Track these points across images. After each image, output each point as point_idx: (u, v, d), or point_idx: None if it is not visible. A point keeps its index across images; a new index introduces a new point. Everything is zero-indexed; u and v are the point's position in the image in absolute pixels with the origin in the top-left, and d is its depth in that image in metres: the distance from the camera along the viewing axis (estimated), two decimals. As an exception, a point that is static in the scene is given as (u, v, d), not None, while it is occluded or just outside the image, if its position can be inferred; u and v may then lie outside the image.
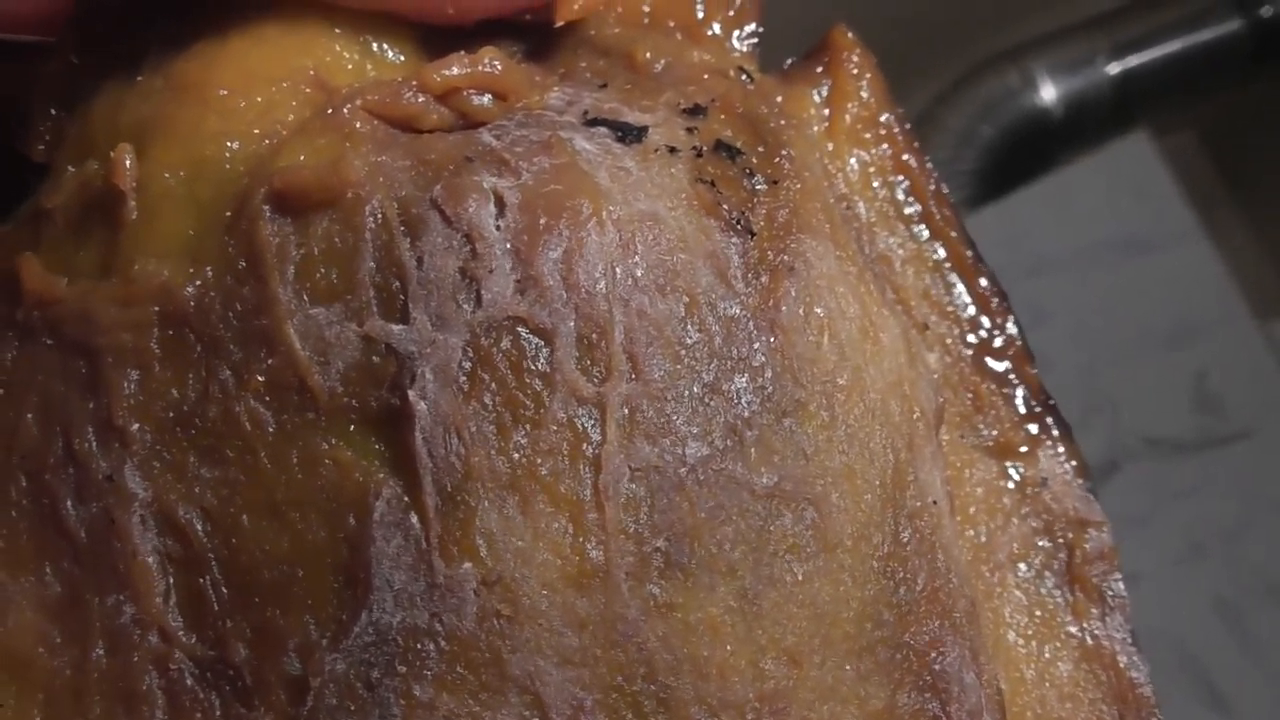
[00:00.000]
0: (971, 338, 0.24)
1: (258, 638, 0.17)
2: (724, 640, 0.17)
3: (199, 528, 0.17)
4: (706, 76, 0.22)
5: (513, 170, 0.18)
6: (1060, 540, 0.23)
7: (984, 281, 0.24)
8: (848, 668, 0.18)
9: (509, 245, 0.18)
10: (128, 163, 0.19)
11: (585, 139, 0.19)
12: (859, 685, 0.18)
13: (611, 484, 0.17)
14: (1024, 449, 0.23)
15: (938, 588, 0.19)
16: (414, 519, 0.17)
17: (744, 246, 0.19)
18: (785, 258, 0.19)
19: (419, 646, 0.16)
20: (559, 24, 0.22)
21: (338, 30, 0.21)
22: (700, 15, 0.24)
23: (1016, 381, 0.24)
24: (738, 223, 0.19)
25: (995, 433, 0.23)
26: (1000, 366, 0.24)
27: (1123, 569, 0.23)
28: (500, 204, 0.18)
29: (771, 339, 0.19)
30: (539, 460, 0.17)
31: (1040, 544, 0.23)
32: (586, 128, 0.20)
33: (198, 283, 0.18)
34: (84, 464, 0.18)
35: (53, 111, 0.21)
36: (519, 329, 0.17)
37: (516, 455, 0.17)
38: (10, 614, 0.18)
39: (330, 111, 0.19)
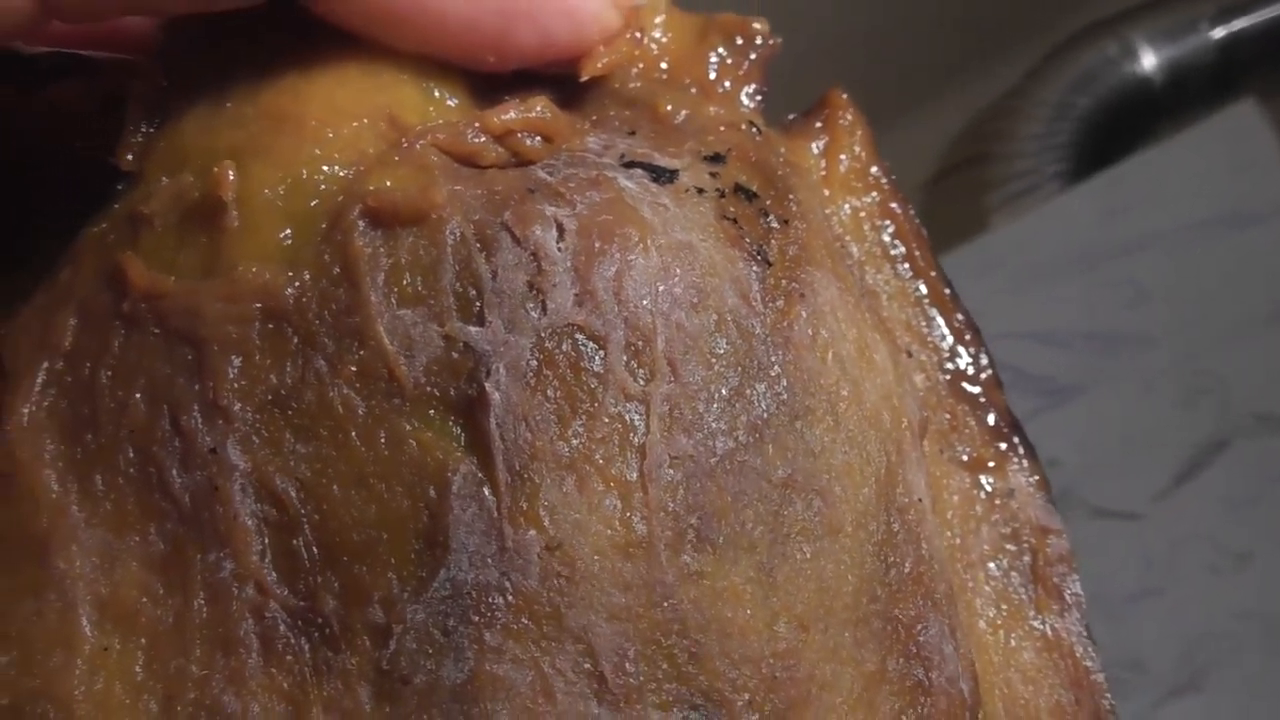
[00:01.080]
0: (949, 365, 0.28)
1: (345, 591, 0.19)
2: (745, 605, 0.20)
3: (293, 495, 0.20)
4: (723, 128, 0.25)
5: (568, 202, 0.21)
6: (1025, 544, 0.27)
7: (960, 316, 0.28)
8: (847, 634, 0.21)
9: (569, 264, 0.21)
10: (231, 176, 0.21)
11: (626, 178, 0.22)
12: (856, 650, 0.21)
13: (654, 469, 0.20)
14: (993, 464, 0.27)
15: (922, 572, 0.22)
16: (487, 492, 0.19)
17: (762, 274, 0.22)
18: (796, 285, 0.23)
19: (490, 600, 0.19)
20: (584, 79, 0.25)
21: (405, 75, 0.24)
22: (713, 75, 0.27)
23: (988, 405, 0.28)
24: (757, 254, 0.23)
25: (969, 449, 0.27)
26: (974, 391, 0.28)
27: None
28: (560, 229, 0.21)
29: (786, 354, 0.22)
30: (593, 446, 0.20)
31: (1008, 547, 0.26)
32: (625, 169, 0.23)
33: (296, 284, 0.20)
34: (190, 438, 0.20)
35: (144, 126, 0.23)
36: (577, 335, 0.20)
37: (575, 441, 0.20)
38: (117, 568, 0.20)
39: (406, 145, 0.22)
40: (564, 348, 0.20)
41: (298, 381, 0.20)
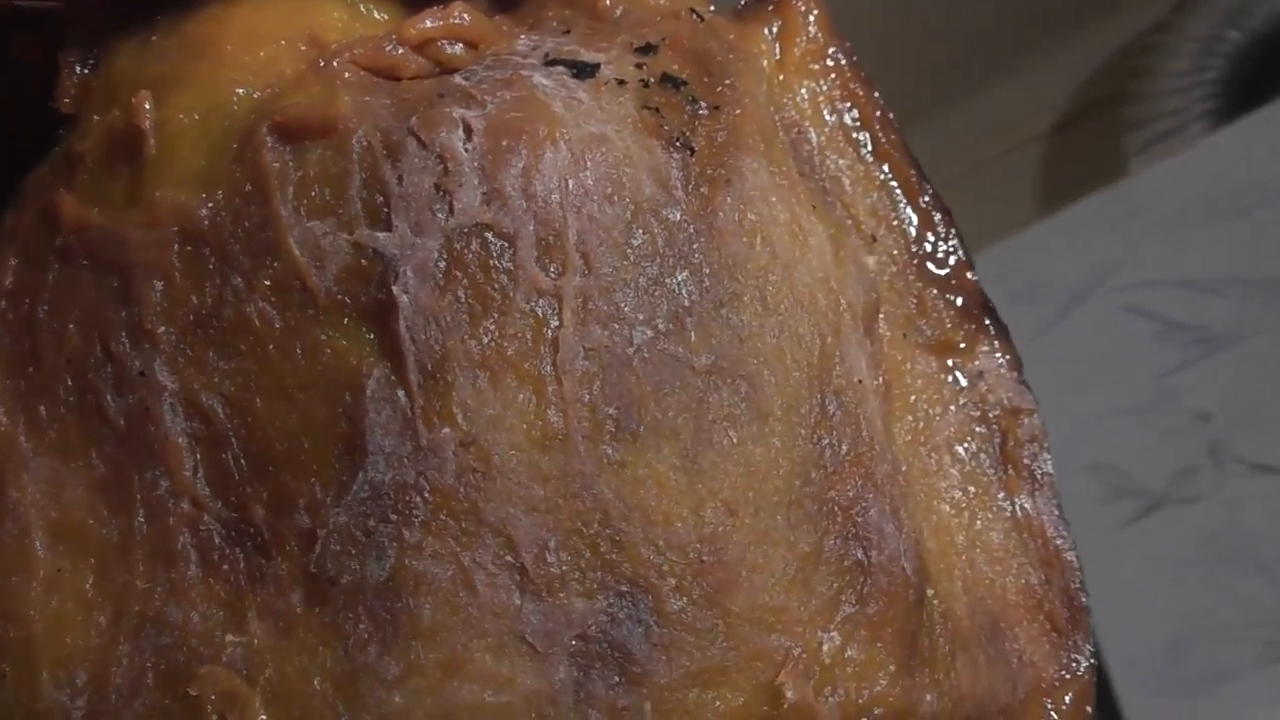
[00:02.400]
0: (915, 248, 0.27)
1: (273, 500, 0.20)
2: (668, 492, 0.20)
3: (220, 411, 0.20)
4: (660, 19, 0.25)
5: (479, 103, 0.21)
6: (995, 426, 0.26)
7: (926, 198, 0.27)
8: (778, 518, 0.21)
9: (476, 164, 0.21)
10: (147, 106, 0.22)
11: (544, 76, 0.22)
12: (788, 532, 0.21)
13: (568, 361, 0.20)
14: (963, 345, 0.26)
15: (861, 453, 0.22)
16: (400, 394, 0.20)
17: (684, 162, 0.22)
18: (722, 172, 0.22)
19: (408, 499, 0.19)
20: None
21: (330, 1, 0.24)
22: None
23: (956, 287, 0.27)
24: (678, 141, 0.22)
25: (937, 332, 0.26)
26: (941, 273, 0.27)
27: (1050, 450, 0.26)
28: (468, 130, 0.21)
29: (709, 240, 0.22)
30: (505, 343, 0.20)
31: (977, 429, 0.26)
32: (546, 67, 0.23)
33: (210, 205, 0.21)
34: (120, 362, 0.21)
35: (77, 69, 0.24)
36: (486, 233, 0.20)
37: (486, 339, 0.20)
38: (64, 493, 0.21)
39: (323, 64, 0.22)
40: (473, 247, 0.20)
41: (217, 300, 0.20)
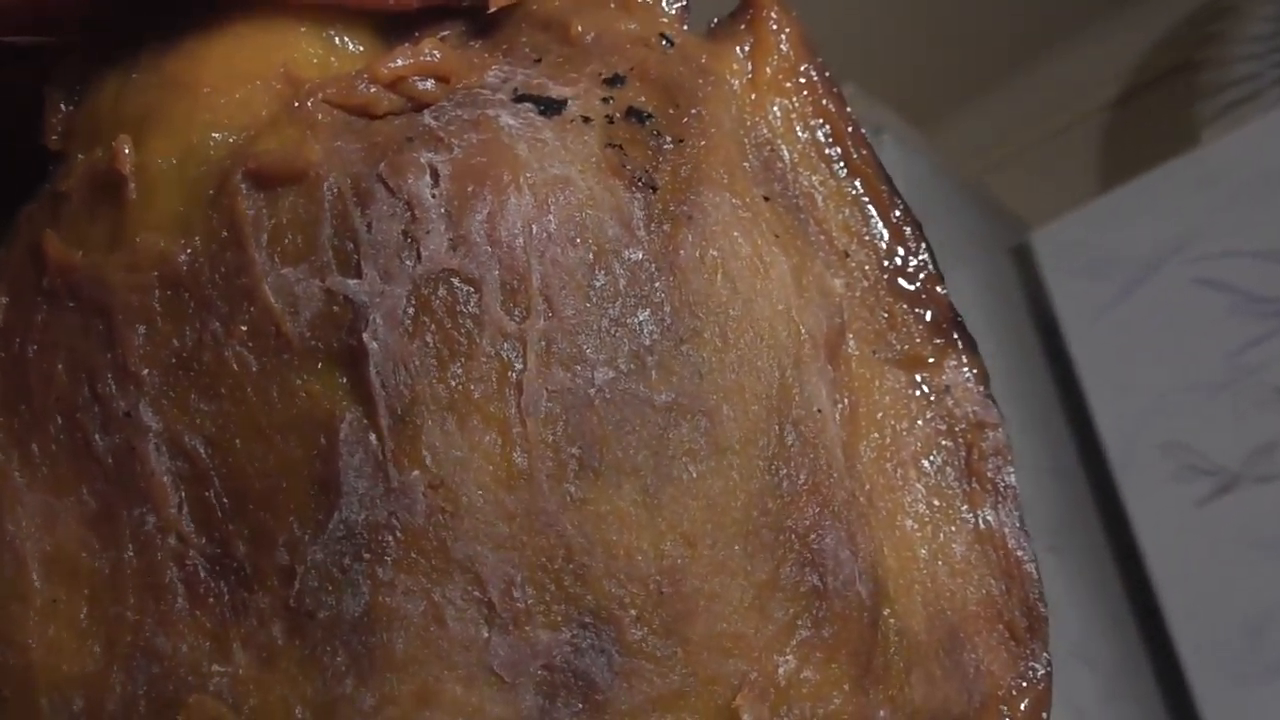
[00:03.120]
0: (886, 263, 0.27)
1: (254, 536, 0.21)
2: (629, 527, 0.21)
3: (202, 451, 0.21)
4: (630, 46, 0.25)
5: (446, 146, 0.22)
6: (961, 440, 0.27)
7: (897, 213, 0.28)
8: (736, 548, 0.22)
9: (443, 210, 0.21)
10: (127, 150, 0.23)
11: (511, 115, 0.23)
12: (746, 561, 0.22)
13: (532, 403, 0.21)
14: (931, 360, 0.27)
15: (819, 481, 0.23)
16: (372, 437, 0.21)
17: (647, 200, 0.23)
18: (685, 208, 0.23)
19: (380, 538, 0.20)
20: (493, 9, 0.25)
21: (303, 28, 0.24)
22: None
23: (926, 301, 0.27)
24: (640, 180, 0.23)
25: (906, 347, 0.27)
26: (912, 287, 0.27)
27: (1015, 463, 0.27)
28: (435, 175, 0.22)
29: (670, 278, 0.22)
30: (472, 386, 0.21)
31: (942, 443, 0.26)
32: (514, 104, 0.23)
33: (189, 250, 0.22)
34: (106, 403, 0.22)
35: (63, 106, 0.25)
36: (452, 279, 0.21)
37: (454, 382, 0.21)
38: (58, 527, 0.22)
39: (297, 105, 0.23)
40: (439, 293, 0.21)
41: (196, 344, 0.21)
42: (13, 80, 0.26)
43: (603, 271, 0.22)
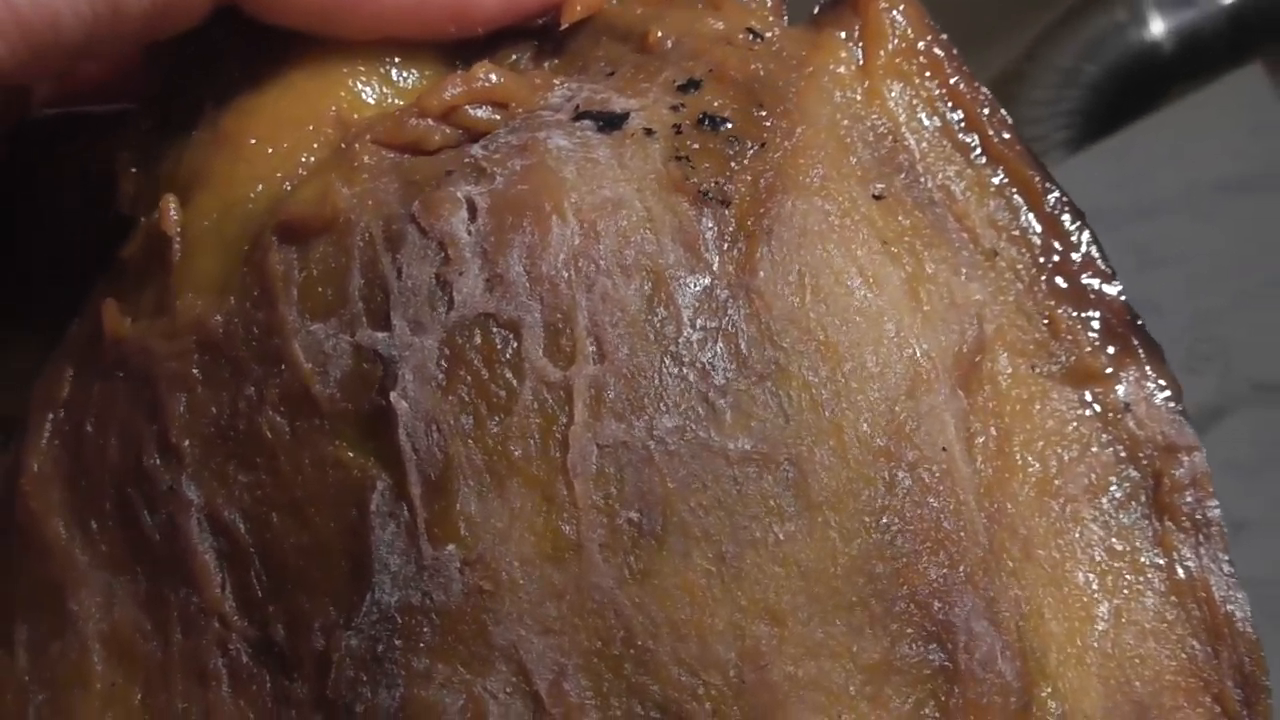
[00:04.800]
0: (1042, 259, 0.23)
1: (291, 619, 0.19)
2: (701, 602, 0.18)
3: (241, 527, 0.20)
4: (711, 47, 0.22)
5: (488, 176, 0.20)
6: (1146, 467, 0.22)
7: (1052, 199, 0.23)
8: (837, 623, 0.18)
9: (479, 247, 0.19)
10: (173, 210, 0.21)
11: (564, 135, 0.20)
12: (850, 640, 0.18)
13: (579, 462, 0.18)
14: (1109, 371, 0.22)
15: (944, 537, 0.19)
16: (404, 508, 0.18)
17: (717, 216, 0.20)
18: (765, 222, 0.20)
19: (414, 622, 0.18)
20: (565, 26, 0.23)
21: (360, 66, 0.23)
22: None
23: (1095, 301, 0.23)
24: (709, 195, 0.20)
25: (1073, 358, 0.23)
26: (1076, 286, 0.23)
27: (1221, 508, 0.22)
28: (473, 209, 0.19)
29: (747, 304, 0.19)
30: (511, 445, 0.18)
31: (1122, 473, 0.22)
32: (573, 123, 0.21)
33: (224, 311, 0.20)
34: (152, 478, 0.20)
35: (133, 170, 0.24)
36: (489, 323, 0.19)
37: (491, 442, 0.18)
38: (115, 607, 0.21)
39: (343, 149, 0.21)
40: (475, 340, 0.19)
41: (233, 411, 0.20)
42: (95, 147, 0.25)
43: (662, 303, 0.19)
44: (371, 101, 0.22)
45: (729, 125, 0.21)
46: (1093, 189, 0.90)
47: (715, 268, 0.19)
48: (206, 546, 0.20)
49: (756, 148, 0.21)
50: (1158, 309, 0.87)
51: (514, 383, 0.19)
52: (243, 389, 0.20)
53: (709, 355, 0.19)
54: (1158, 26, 0.95)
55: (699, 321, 0.19)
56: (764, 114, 0.21)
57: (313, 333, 0.19)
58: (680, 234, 0.19)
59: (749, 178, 0.20)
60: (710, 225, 0.20)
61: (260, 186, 0.21)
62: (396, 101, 0.23)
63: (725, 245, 0.20)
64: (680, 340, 0.19)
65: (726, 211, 0.20)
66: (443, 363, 0.19)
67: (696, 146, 0.21)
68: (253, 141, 0.22)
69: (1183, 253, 0.92)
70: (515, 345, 0.19)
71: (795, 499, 0.18)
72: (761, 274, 0.19)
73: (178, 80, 0.24)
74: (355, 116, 0.22)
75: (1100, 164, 0.94)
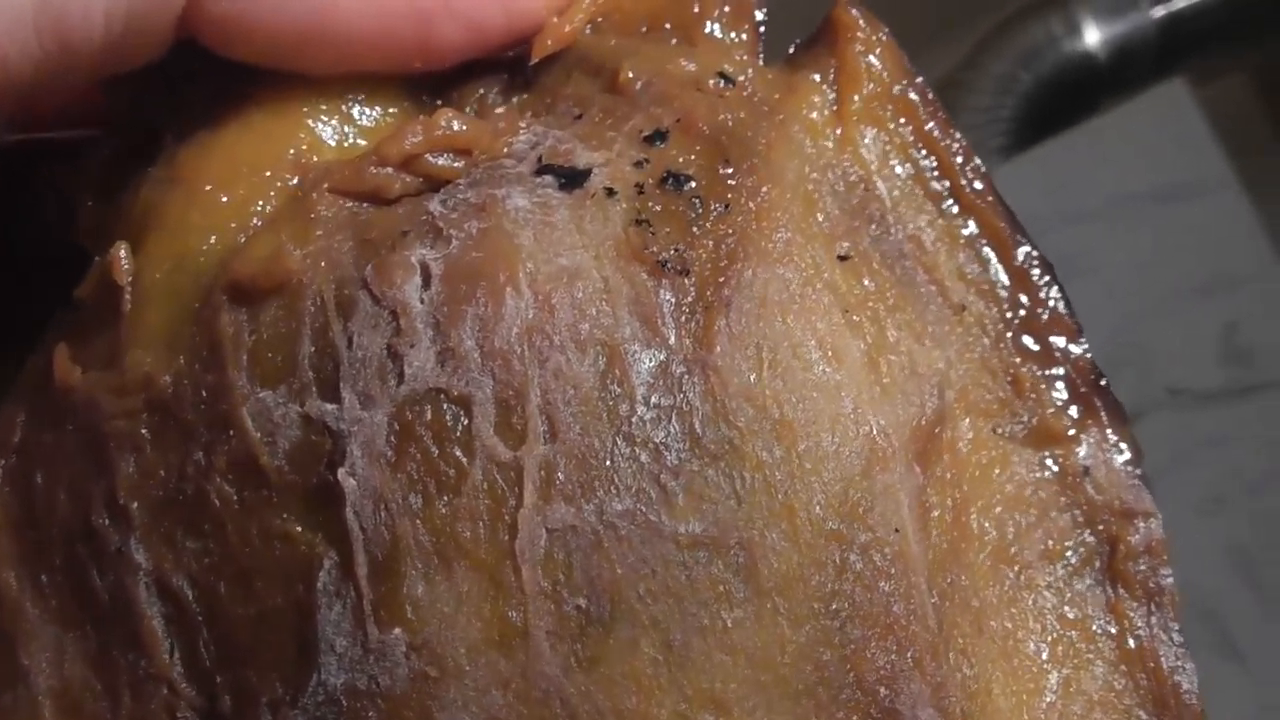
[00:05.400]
0: (1010, 315, 0.23)
1: (239, 692, 0.19)
2: (648, 691, 0.18)
3: (189, 594, 0.19)
4: (680, 92, 0.22)
5: (444, 238, 0.19)
6: (1102, 533, 0.22)
7: (1022, 252, 0.23)
8: (783, 712, 0.18)
9: (431, 317, 0.19)
10: (123, 256, 0.21)
11: (524, 194, 0.20)
12: None
13: (528, 547, 0.18)
14: (1069, 433, 0.22)
15: (893, 622, 0.19)
16: (350, 588, 0.18)
17: (677, 286, 0.19)
18: (725, 292, 0.19)
19: (360, 706, 0.18)
20: (533, 62, 0.22)
21: (321, 103, 0.22)
22: (696, 10, 0.24)
23: (1060, 359, 0.23)
24: (669, 265, 0.19)
25: (1036, 419, 0.22)
26: (1042, 344, 0.23)
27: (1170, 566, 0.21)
28: (426, 275, 0.19)
29: (703, 381, 0.19)
30: (460, 526, 0.18)
31: (1078, 538, 0.22)
32: (534, 177, 0.20)
33: (174, 371, 0.20)
34: (101, 537, 0.20)
35: (89, 203, 0.23)
36: (440, 398, 0.18)
37: (439, 523, 0.18)
38: (65, 663, 0.20)
39: (300, 198, 0.21)
40: (425, 416, 0.18)
41: (181, 476, 0.19)
42: (56, 175, 0.24)
43: (617, 380, 0.18)
44: (332, 142, 0.22)
45: (692, 184, 0.20)
46: (1024, 196, 0.93)
47: (672, 342, 0.19)
48: (155, 612, 0.20)
49: (720, 209, 0.20)
50: (1081, 316, 0.90)
51: (464, 461, 0.18)
52: (191, 453, 0.19)
53: (662, 435, 0.18)
54: (1092, 37, 0.98)
55: (653, 398, 0.18)
56: (730, 171, 0.21)
57: (262, 400, 0.19)
58: (637, 306, 0.19)
59: (710, 243, 0.20)
60: (669, 297, 0.19)
61: (213, 238, 0.21)
62: (358, 140, 0.22)
63: (683, 317, 0.19)
64: (634, 419, 0.18)
65: (686, 281, 0.19)
66: (392, 438, 0.18)
67: (658, 209, 0.20)
68: (208, 187, 0.21)
69: (1105, 260, 0.95)
70: (466, 422, 0.18)
71: (744, 584, 0.18)
72: (719, 348, 0.19)
73: (137, 110, 0.23)
74: (314, 159, 0.21)
75: (1031, 171, 0.97)
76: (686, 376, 0.19)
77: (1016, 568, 0.21)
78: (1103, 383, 0.23)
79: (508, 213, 0.20)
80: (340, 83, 0.22)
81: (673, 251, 0.19)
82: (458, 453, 0.18)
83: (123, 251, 0.21)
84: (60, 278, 0.24)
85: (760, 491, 0.18)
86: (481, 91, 0.23)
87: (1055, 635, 0.21)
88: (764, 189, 0.21)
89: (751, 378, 0.19)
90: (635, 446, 0.18)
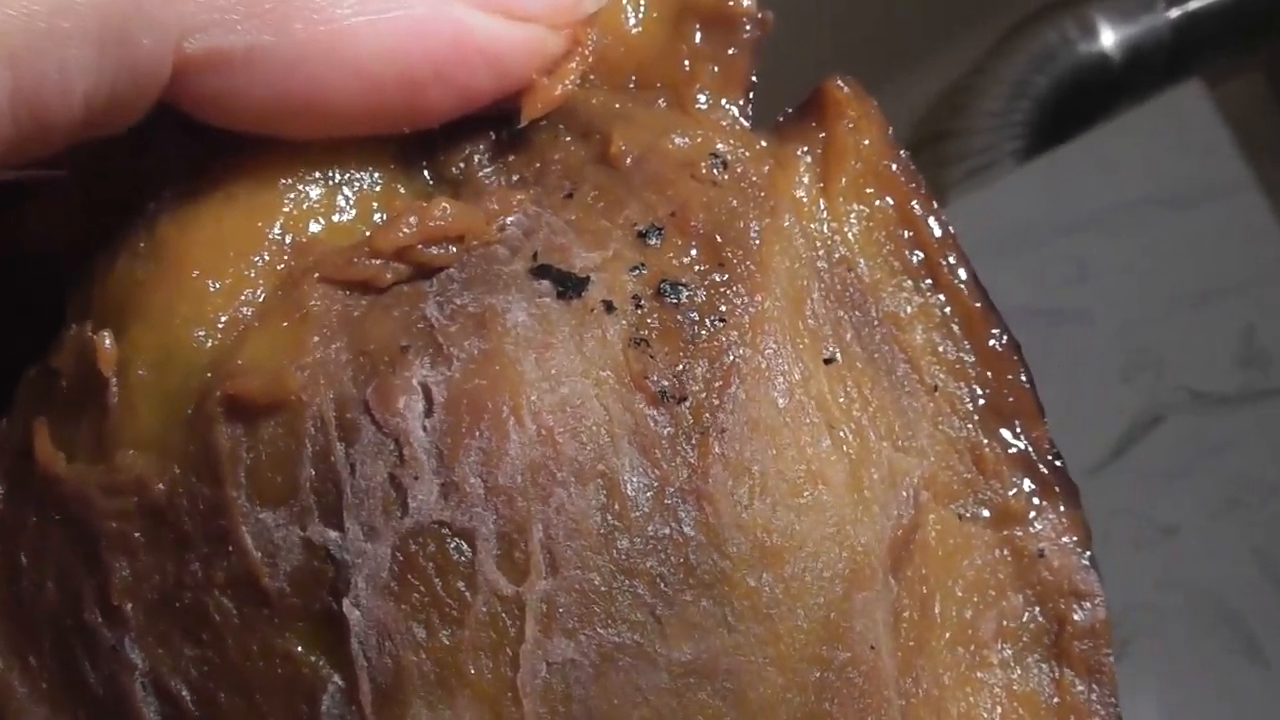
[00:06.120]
0: (981, 396, 0.24)
1: None
2: None
3: (187, 698, 0.19)
4: (674, 176, 0.22)
5: (444, 357, 0.19)
6: (1051, 612, 0.23)
7: (994, 333, 0.24)
8: None
9: (434, 448, 0.19)
10: (109, 346, 0.20)
11: (523, 304, 0.20)
12: None
13: (529, 680, 0.18)
14: (1028, 515, 0.23)
15: None
16: (354, 712, 0.19)
17: (674, 414, 0.20)
18: (720, 416, 0.20)
19: None
20: (522, 125, 0.22)
21: (304, 171, 0.21)
22: (686, 68, 0.24)
23: (1022, 436, 0.24)
24: (667, 394, 0.20)
25: (998, 500, 0.23)
26: (1007, 426, 0.24)
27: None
28: (429, 400, 0.19)
29: (698, 509, 0.19)
30: (463, 657, 0.18)
31: (1029, 616, 0.23)
32: (532, 279, 0.20)
33: (167, 478, 0.20)
34: (94, 633, 0.20)
35: (61, 247, 0.23)
36: (443, 531, 0.19)
37: (442, 654, 0.18)
38: None
39: (290, 288, 0.20)
40: (429, 549, 0.19)
41: (177, 583, 0.19)
42: (20, 215, 0.23)
43: (616, 514, 0.19)
44: (319, 210, 0.21)
45: (688, 294, 0.21)
46: (1033, 200, 0.93)
47: (669, 472, 0.19)
48: (152, 711, 0.20)
49: (715, 323, 0.20)
50: (1092, 320, 0.90)
51: (467, 595, 0.19)
52: (188, 563, 0.19)
53: (658, 565, 0.19)
54: (1107, 39, 0.98)
55: (649, 528, 0.19)
56: (726, 279, 0.21)
57: (262, 520, 0.19)
58: (636, 436, 0.19)
59: (705, 362, 0.20)
60: (666, 427, 0.20)
61: (202, 333, 0.20)
62: (344, 206, 0.22)
63: (679, 445, 0.19)
64: (631, 551, 0.19)
65: (682, 408, 0.20)
66: (395, 569, 0.19)
67: (656, 326, 0.20)
68: (195, 274, 0.21)
69: (1120, 264, 0.95)
70: (469, 556, 0.19)
71: (733, 709, 0.19)
72: (712, 477, 0.19)
73: (108, 162, 0.23)
74: (302, 233, 0.21)
75: (1045, 175, 0.96)
76: (682, 506, 0.19)
77: (973, 647, 0.22)
78: (1059, 464, 0.24)
79: (509, 331, 0.20)
80: (324, 147, 0.22)
81: (670, 378, 0.20)
82: (461, 586, 0.18)
83: (108, 341, 0.20)
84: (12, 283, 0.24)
85: (749, 618, 0.19)
86: (468, 150, 0.23)
87: (1005, 709, 0.22)
88: (758, 297, 0.21)
89: (743, 506, 0.19)
90: (633, 579, 0.19)
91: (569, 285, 0.20)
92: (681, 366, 0.20)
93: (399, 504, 0.19)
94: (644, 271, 0.21)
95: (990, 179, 0.92)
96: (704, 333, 0.20)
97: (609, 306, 0.20)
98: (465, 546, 0.19)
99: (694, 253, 0.21)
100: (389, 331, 0.20)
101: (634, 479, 0.19)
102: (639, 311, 0.20)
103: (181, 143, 0.22)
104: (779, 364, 0.21)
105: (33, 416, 0.21)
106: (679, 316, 0.20)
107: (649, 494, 0.19)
